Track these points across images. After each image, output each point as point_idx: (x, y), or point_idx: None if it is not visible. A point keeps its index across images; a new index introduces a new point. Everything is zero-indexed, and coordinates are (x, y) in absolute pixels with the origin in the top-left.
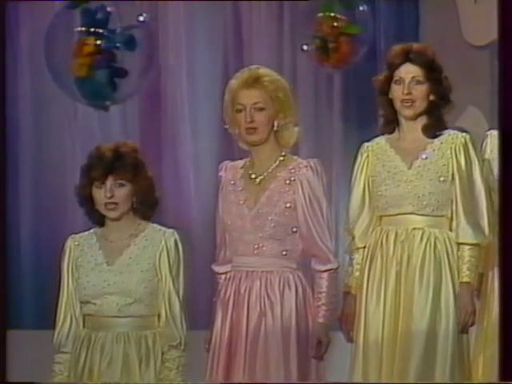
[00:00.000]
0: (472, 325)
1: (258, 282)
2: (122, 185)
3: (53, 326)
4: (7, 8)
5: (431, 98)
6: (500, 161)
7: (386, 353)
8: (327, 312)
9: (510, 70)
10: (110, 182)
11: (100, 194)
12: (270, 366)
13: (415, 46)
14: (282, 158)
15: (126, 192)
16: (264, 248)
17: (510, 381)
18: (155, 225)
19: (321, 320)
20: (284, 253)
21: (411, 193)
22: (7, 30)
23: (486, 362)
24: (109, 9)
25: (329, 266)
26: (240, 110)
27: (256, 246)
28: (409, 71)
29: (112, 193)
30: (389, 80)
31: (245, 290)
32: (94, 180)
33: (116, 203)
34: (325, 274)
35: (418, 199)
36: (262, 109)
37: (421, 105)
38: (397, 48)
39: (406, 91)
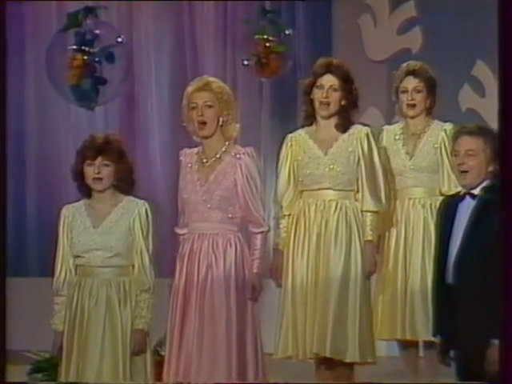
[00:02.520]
0: (374, 272)
1: (207, 242)
2: (107, 165)
3: (51, 274)
4: (12, 28)
5: (343, 102)
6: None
7: (309, 295)
8: (260, 264)
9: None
10: (98, 161)
11: (90, 171)
12: (216, 305)
13: (335, 61)
14: (226, 147)
15: (110, 171)
16: (212, 216)
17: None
18: (131, 197)
19: (255, 270)
20: (227, 220)
21: (328, 173)
22: (8, 32)
23: (385, 302)
24: (96, 31)
25: (261, 229)
26: (194, 108)
27: (206, 215)
28: (328, 80)
29: (99, 170)
30: (312, 84)
31: (196, 248)
32: (87, 159)
33: (101, 178)
34: (258, 235)
35: (333, 178)
36: (210, 106)
37: (334, 107)
38: (322, 61)
39: (324, 95)
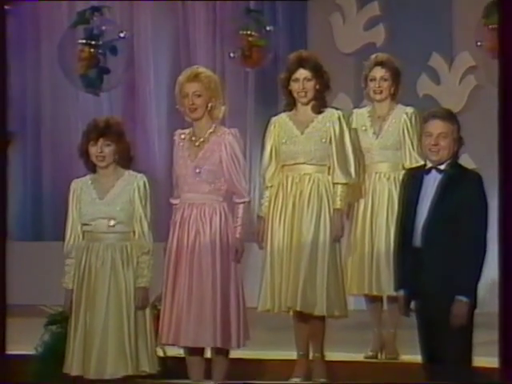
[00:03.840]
0: (341, 236)
1: (195, 211)
2: (108, 145)
3: (62, 239)
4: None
5: (317, 87)
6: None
7: (285, 256)
8: (242, 230)
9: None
10: (100, 142)
11: (93, 150)
12: (203, 266)
13: (304, 54)
14: (213, 128)
15: (111, 150)
16: (200, 188)
17: (510, 368)
18: (131, 171)
19: (237, 235)
20: (213, 191)
21: (303, 150)
22: (25, 29)
23: (354, 262)
24: (101, 28)
25: (243, 200)
26: (185, 96)
27: (194, 187)
28: (302, 74)
29: (101, 149)
30: (288, 78)
31: (186, 216)
32: (91, 140)
33: (104, 156)
34: (241, 205)
35: (307, 154)
36: (199, 95)
37: (310, 94)
38: (292, 57)
39: (301, 87)
